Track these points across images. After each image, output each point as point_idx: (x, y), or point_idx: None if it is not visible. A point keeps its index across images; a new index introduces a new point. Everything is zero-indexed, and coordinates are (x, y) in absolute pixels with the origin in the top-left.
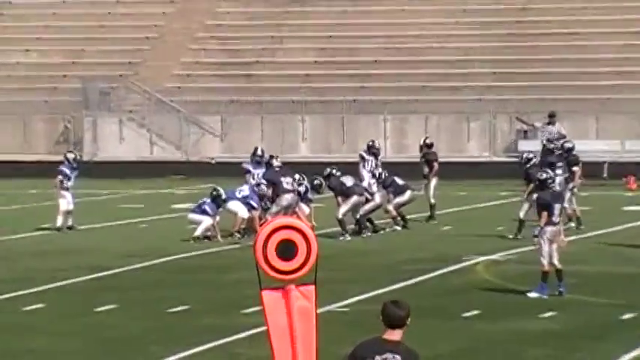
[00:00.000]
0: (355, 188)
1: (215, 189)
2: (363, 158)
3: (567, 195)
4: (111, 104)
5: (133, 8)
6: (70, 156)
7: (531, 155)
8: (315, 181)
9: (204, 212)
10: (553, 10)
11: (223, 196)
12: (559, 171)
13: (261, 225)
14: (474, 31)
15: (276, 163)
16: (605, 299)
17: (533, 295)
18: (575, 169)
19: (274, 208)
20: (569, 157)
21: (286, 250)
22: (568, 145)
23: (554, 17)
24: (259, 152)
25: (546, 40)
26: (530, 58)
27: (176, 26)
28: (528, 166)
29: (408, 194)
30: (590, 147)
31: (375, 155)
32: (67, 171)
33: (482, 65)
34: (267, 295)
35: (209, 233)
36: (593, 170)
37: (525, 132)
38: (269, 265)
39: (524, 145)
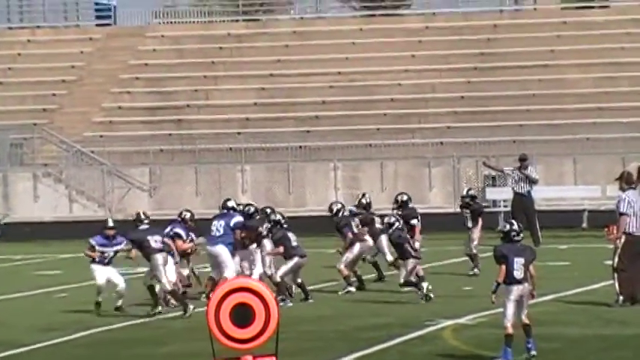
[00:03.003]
0: (299, 249)
1: None
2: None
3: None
4: (23, 157)
5: (47, 48)
6: None
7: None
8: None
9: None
10: (521, 41)
11: None
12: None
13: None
14: (433, 65)
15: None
16: None
17: None
18: (413, 222)
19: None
20: (404, 211)
21: (242, 315)
22: (402, 197)
23: (523, 48)
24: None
25: (514, 75)
26: (497, 94)
27: (96, 67)
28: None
29: (357, 248)
30: (567, 193)
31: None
32: None
33: (442, 104)
34: None
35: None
36: (571, 219)
37: (494, 178)
38: (222, 333)
39: (493, 193)
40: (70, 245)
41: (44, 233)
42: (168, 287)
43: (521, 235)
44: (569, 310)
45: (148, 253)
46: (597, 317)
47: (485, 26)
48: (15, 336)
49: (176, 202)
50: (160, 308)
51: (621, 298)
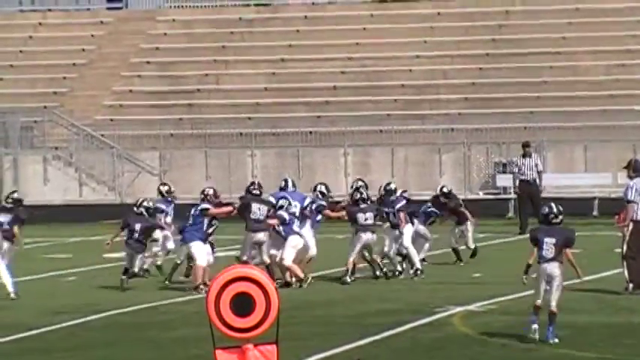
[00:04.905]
0: (256, 224)
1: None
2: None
3: None
4: (34, 140)
5: (58, 31)
6: (164, 188)
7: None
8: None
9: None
10: (534, 27)
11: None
12: None
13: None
14: (444, 51)
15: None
16: (597, 354)
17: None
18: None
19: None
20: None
21: (242, 304)
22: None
23: (535, 35)
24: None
25: (526, 61)
26: (508, 81)
27: (107, 51)
28: None
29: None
30: (578, 181)
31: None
32: (163, 206)
33: (453, 90)
34: (222, 356)
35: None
36: (581, 207)
37: (504, 165)
38: (223, 322)
39: (503, 180)
40: (79, 229)
41: (54, 216)
42: None
43: (560, 217)
44: (579, 298)
45: None
46: (607, 305)
47: (498, 12)
48: (26, 319)
49: (186, 187)
50: None
51: (631, 285)
